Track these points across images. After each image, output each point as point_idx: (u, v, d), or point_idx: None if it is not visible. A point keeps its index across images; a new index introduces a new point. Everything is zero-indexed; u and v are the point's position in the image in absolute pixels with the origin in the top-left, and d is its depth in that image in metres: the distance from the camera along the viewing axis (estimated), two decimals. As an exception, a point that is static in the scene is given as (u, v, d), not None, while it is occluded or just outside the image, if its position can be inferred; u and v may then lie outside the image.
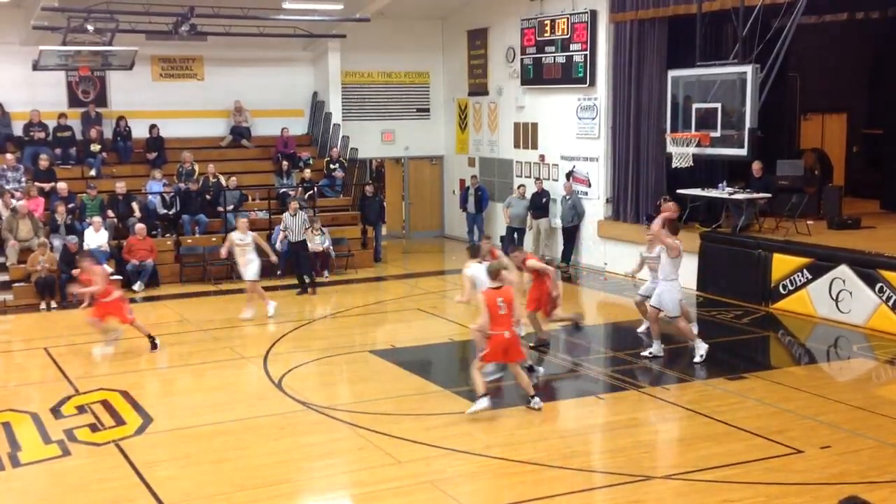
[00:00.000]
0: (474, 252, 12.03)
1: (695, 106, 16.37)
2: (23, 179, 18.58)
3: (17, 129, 19.94)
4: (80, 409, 10.66)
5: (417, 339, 14.09)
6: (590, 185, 19.70)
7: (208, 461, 9.07)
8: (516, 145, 21.90)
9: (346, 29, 21.43)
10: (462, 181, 23.58)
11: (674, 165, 16.67)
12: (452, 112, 24.20)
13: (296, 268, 17.59)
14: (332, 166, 21.44)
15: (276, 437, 9.72)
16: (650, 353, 12.37)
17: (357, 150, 22.28)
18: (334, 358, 12.84)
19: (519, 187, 20.85)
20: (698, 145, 16.04)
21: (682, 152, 16.27)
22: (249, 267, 15.48)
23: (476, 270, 11.33)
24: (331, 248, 19.10)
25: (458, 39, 23.48)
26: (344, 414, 10.37)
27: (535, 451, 9.14)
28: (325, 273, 18.82)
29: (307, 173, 20.98)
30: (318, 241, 18.80)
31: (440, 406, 10.62)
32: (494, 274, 10.37)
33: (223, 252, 15.87)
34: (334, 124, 22.35)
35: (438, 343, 13.85)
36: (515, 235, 20.48)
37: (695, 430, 9.85)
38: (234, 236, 15.64)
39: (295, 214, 17.27)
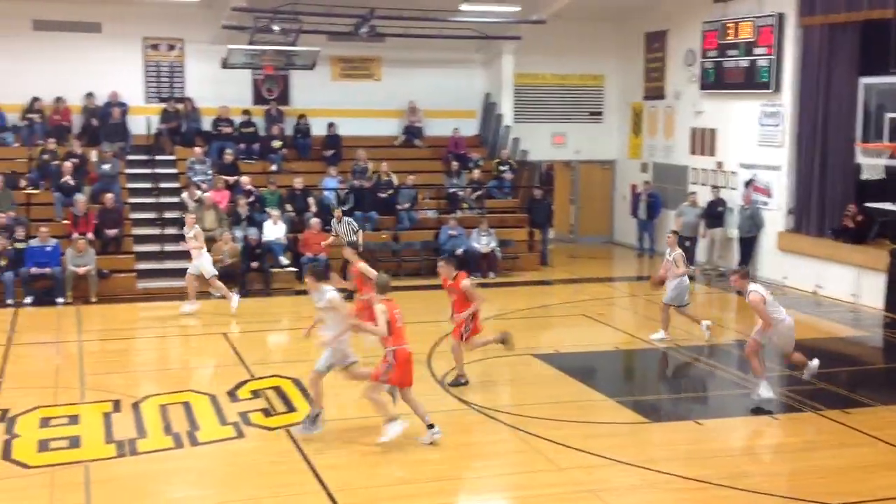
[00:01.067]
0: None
1: (889, 115, 15.43)
2: (209, 172, 19.52)
3: (206, 125, 21.00)
4: (255, 394, 11.08)
5: (581, 346, 13.90)
6: (770, 196, 18.87)
7: (372, 453, 9.21)
8: (692, 151, 21.28)
9: (521, 30, 21.42)
10: (633, 186, 23.14)
11: (863, 177, 15.78)
12: (626, 116, 23.78)
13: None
14: (501, 168, 21.48)
15: (437, 434, 9.78)
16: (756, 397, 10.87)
17: (527, 152, 22.25)
18: (497, 360, 12.81)
19: (690, 195, 20.25)
20: (891, 156, 15.12)
21: (872, 163, 15.40)
22: (201, 261, 15.73)
23: None
24: (497, 249, 19.13)
25: (636, 42, 23.04)
26: (505, 416, 10.33)
27: (701, 468, 8.81)
28: (491, 274, 18.88)
29: (476, 174, 21.11)
30: (483, 242, 18.88)
31: (603, 415, 10.42)
32: (382, 289, 9.76)
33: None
34: (505, 126, 22.39)
35: (603, 351, 13.61)
36: (687, 244, 19.90)
37: (876, 458, 9.25)
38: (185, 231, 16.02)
39: (340, 221, 17.31)
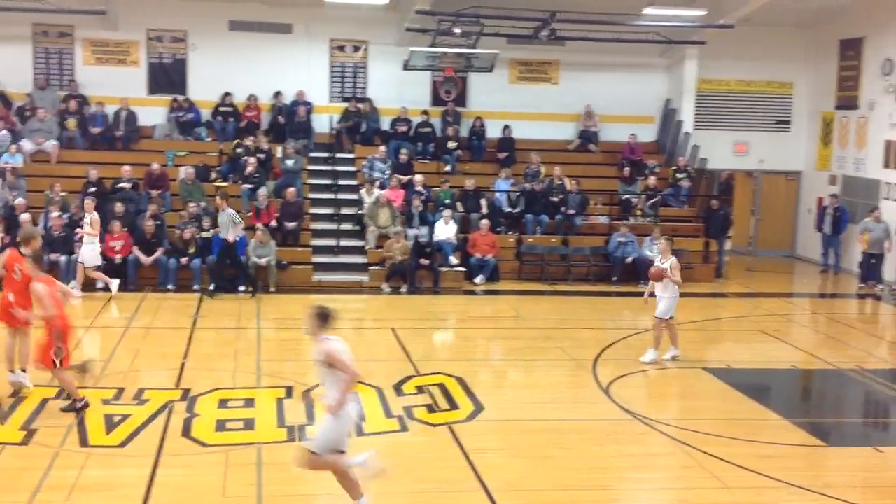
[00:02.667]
0: None
1: None
2: (387, 172, 19.96)
3: (385, 124, 21.52)
4: (420, 390, 11.23)
5: (756, 362, 13.33)
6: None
7: (533, 456, 9.15)
8: (886, 165, 20.04)
9: (707, 35, 20.79)
10: (820, 199, 22.02)
11: None
12: (815, 125, 22.67)
13: (218, 266, 16.76)
14: (678, 175, 20.92)
15: (600, 442, 9.61)
16: None
17: (706, 160, 21.57)
18: (665, 371, 12.48)
19: (873, 210, 19.14)
20: None
21: None
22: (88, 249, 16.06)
23: None
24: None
25: (828, 49, 21.92)
26: (671, 429, 10.03)
27: (880, 498, 8.26)
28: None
29: (651, 181, 20.65)
30: (655, 251, 18.40)
31: (776, 435, 9.95)
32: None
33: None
34: (685, 133, 21.80)
35: (779, 369, 13.00)
36: (873, 261, 18.82)
37: None
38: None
39: (225, 210, 16.41)
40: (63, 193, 17.70)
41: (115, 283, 16.23)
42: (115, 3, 20.19)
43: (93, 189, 17.90)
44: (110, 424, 9.62)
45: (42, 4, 18.72)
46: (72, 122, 19.88)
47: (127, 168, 18.61)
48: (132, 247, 16.85)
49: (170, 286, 16.78)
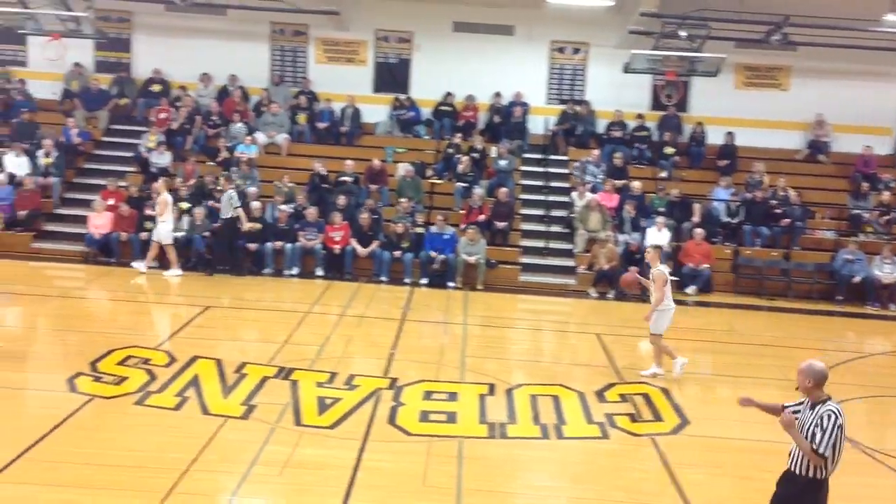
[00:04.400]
0: None
1: None
2: (600, 176, 19.76)
3: (600, 128, 21.30)
4: (623, 398, 11.03)
5: None
6: None
7: (736, 475, 8.79)
8: None
9: (957, 41, 19.21)
10: None
11: None
12: None
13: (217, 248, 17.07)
14: (916, 192, 19.48)
15: (813, 469, 9.07)
16: None
17: (950, 176, 19.96)
18: (891, 398, 11.64)
19: None
20: None
21: None
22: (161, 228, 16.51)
23: None
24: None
25: None
26: (893, 461, 9.34)
27: None
28: (892, 306, 17.21)
29: (886, 196, 19.31)
30: (887, 271, 17.25)
31: None
32: None
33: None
34: (926, 146, 20.26)
35: None
36: None
37: None
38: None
39: (226, 191, 16.80)
40: (290, 184, 18.71)
41: (175, 272, 16.68)
42: (348, 4, 21.12)
43: (318, 182, 18.86)
44: (322, 406, 10.06)
45: (280, 4, 19.86)
46: (302, 117, 20.99)
47: (349, 163, 19.43)
48: (350, 238, 17.56)
49: (383, 278, 17.36)
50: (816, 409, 6.06)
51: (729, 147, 20.70)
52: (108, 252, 17.20)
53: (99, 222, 17.30)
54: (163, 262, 16.87)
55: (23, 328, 13.45)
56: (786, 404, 6.36)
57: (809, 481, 6.06)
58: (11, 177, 18.23)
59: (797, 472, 6.12)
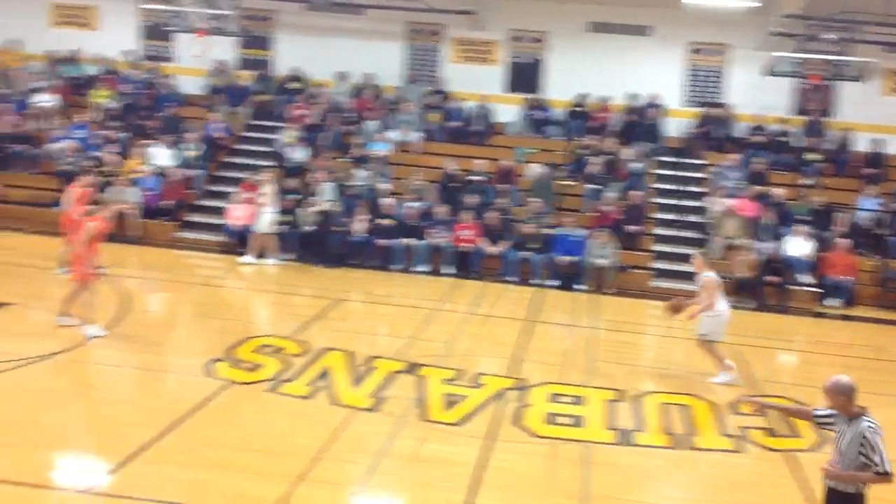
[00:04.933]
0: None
1: None
2: (738, 180, 19.15)
3: (738, 131, 20.66)
4: (759, 412, 10.62)
5: None
6: None
7: (875, 498, 8.31)
8: None
9: None
10: None
11: None
12: None
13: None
14: None
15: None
16: None
17: None
18: None
19: None
20: None
21: None
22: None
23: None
24: None
25: None
26: None
27: None
28: None
29: None
30: None
31: None
32: None
33: None
34: None
35: None
36: None
37: None
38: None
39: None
40: (421, 182, 18.85)
41: (272, 261, 17.04)
42: (483, 4, 21.15)
43: (447, 181, 18.97)
44: (449, 403, 10.08)
45: (417, 4, 20.06)
46: (434, 116, 21.13)
47: (480, 162, 19.44)
48: (479, 237, 17.56)
49: (510, 278, 17.28)
50: (855, 424, 6.01)
51: (876, 155, 19.75)
52: (244, 243, 17.71)
53: (237, 214, 17.83)
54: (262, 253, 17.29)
55: (164, 313, 13.99)
56: (816, 411, 6.42)
57: (854, 495, 6.06)
58: (158, 168, 19.00)
59: (846, 490, 6.06)
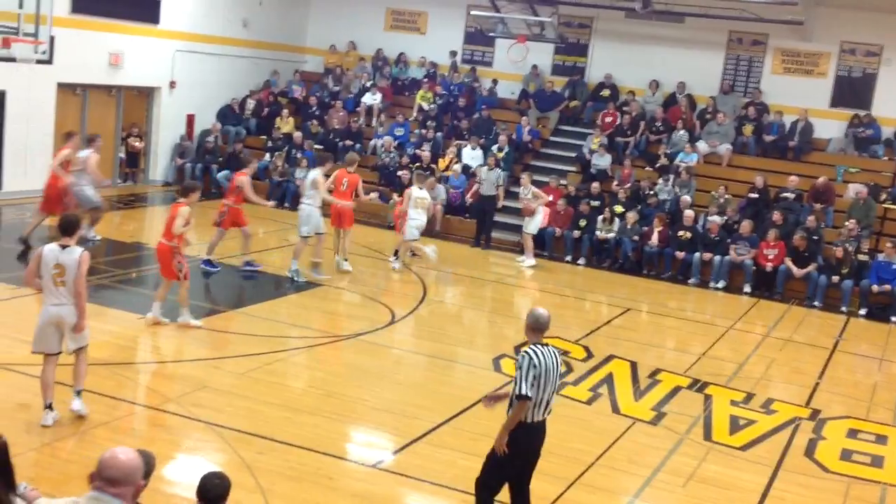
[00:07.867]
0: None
1: None
2: None
3: None
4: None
5: None
6: None
7: None
8: None
9: None
10: None
11: None
12: None
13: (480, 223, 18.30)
14: None
15: None
16: None
17: None
18: None
19: None
20: None
21: None
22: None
23: None
24: None
25: None
26: None
27: None
28: None
29: None
30: None
31: None
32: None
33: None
34: None
35: None
36: None
37: None
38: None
39: (492, 169, 18.11)
40: (726, 196, 18.23)
41: (528, 261, 17.00)
42: (812, 14, 20.02)
43: (755, 196, 18.20)
44: (735, 426, 9.73)
45: (742, 13, 19.37)
46: (748, 129, 20.32)
47: (793, 178, 18.44)
48: (785, 257, 16.68)
49: (816, 303, 16.26)
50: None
51: None
52: (541, 245, 18.02)
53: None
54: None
55: (459, 306, 14.60)
56: None
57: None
58: (466, 168, 19.82)
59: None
